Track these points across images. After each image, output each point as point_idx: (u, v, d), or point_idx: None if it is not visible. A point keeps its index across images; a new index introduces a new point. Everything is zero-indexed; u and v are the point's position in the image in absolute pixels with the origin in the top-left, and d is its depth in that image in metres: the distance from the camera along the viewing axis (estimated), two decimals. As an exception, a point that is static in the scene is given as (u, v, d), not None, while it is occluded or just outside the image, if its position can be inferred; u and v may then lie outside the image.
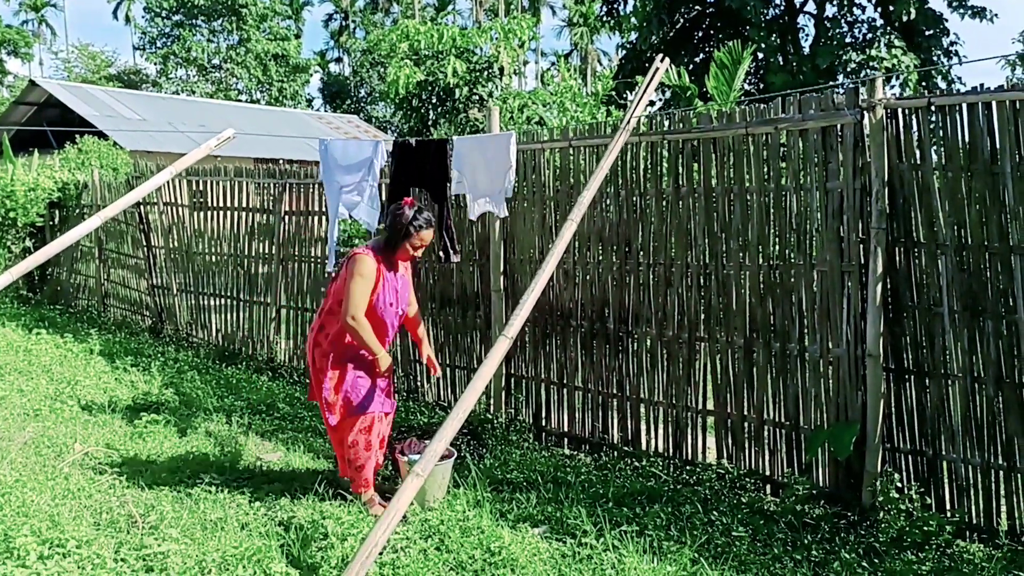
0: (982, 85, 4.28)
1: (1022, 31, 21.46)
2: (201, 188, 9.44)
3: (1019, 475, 4.23)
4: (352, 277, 4.55)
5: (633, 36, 23.41)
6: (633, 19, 22.60)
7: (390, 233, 4.68)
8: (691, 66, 19.68)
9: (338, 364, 4.67)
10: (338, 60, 60.83)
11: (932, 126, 4.45)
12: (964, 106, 4.30)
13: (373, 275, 4.58)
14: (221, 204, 9.15)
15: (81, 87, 30.54)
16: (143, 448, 5.68)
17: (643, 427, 5.70)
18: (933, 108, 4.40)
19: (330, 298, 4.76)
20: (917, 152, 4.47)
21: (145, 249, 10.32)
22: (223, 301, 9.25)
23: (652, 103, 19.21)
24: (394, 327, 4.85)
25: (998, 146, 4.18)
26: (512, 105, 17.89)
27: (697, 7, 21.76)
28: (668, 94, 17.62)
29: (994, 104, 4.18)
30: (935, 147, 4.48)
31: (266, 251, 8.66)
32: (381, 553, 3.88)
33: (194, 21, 48.96)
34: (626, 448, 5.73)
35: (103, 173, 12.46)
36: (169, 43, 48.97)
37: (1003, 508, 4.33)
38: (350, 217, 6.57)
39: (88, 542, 3.93)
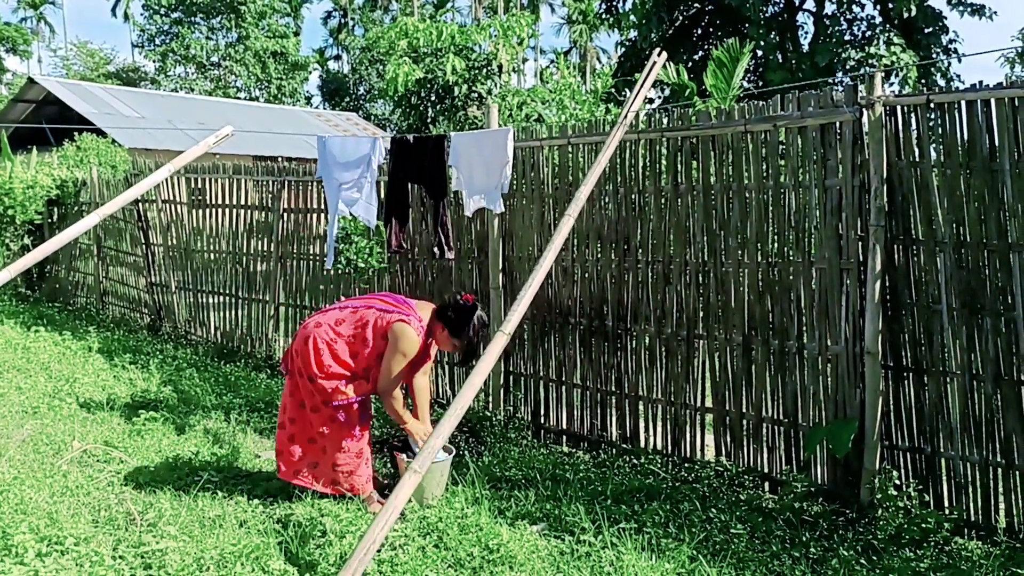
0: (981, 82, 4.28)
1: (1021, 28, 21.41)
2: (200, 185, 9.43)
3: (1017, 472, 4.23)
4: (395, 354, 4.55)
5: (632, 33, 23.43)
6: (632, 16, 22.61)
7: (453, 330, 4.65)
8: (690, 64, 19.70)
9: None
10: (337, 57, 60.81)
11: (931, 123, 4.45)
12: (963, 103, 4.29)
13: (413, 354, 4.59)
14: (220, 201, 9.14)
15: (80, 84, 30.48)
16: (141, 445, 5.68)
17: (642, 424, 5.70)
18: (932, 105, 4.39)
19: (356, 328, 4.70)
20: (916, 149, 4.46)
21: (144, 247, 10.32)
22: (222, 299, 9.25)
23: (651, 100, 19.23)
24: None
25: (997, 143, 4.18)
26: (511, 102, 17.86)
27: (696, 4, 21.77)
28: (667, 91, 17.64)
29: (993, 101, 4.18)
30: (934, 144, 4.48)
31: (265, 248, 8.66)
32: (379, 550, 3.88)
33: (193, 19, 48.89)
34: (625, 445, 5.73)
35: (102, 171, 12.44)
36: (168, 40, 48.88)
37: (1001, 505, 4.34)
38: (350, 214, 6.57)
39: (86, 539, 3.93)
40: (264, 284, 8.67)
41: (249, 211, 8.82)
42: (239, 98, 46.57)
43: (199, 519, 4.37)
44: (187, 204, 9.56)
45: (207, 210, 9.32)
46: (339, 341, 4.66)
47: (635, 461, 5.54)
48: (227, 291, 9.15)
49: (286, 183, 8.31)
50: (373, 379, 4.68)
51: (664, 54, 5.69)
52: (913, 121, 4.48)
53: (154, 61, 50.29)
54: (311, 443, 4.73)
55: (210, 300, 9.41)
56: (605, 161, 5.09)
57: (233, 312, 9.10)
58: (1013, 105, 4.11)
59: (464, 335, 4.65)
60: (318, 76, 57.44)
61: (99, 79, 44.27)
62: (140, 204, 10.17)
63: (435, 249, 6.29)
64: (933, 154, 4.46)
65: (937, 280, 4.42)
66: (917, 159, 4.46)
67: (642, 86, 5.43)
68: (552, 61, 44.63)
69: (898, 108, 4.50)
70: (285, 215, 8.37)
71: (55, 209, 12.80)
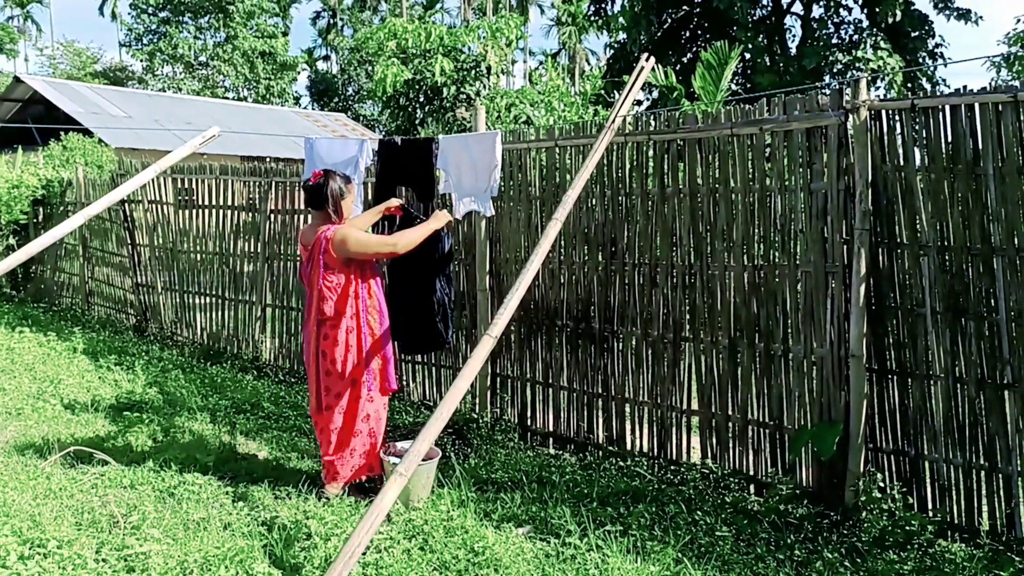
0: (965, 87, 4.30)
1: (1007, 33, 21.53)
2: (186, 186, 9.40)
3: (1000, 475, 4.26)
4: (355, 241, 4.75)
5: (621, 36, 23.46)
6: (621, 19, 22.64)
7: (319, 203, 4.85)
8: (678, 66, 19.71)
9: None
10: (326, 58, 60.67)
11: (916, 128, 4.47)
12: (947, 108, 4.32)
13: (356, 227, 4.96)
14: (206, 202, 9.11)
15: (66, 84, 30.30)
16: (126, 447, 5.65)
17: (628, 427, 5.71)
18: (917, 110, 4.42)
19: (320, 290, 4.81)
20: (900, 153, 4.49)
21: (130, 247, 10.28)
22: (208, 299, 9.21)
23: (639, 103, 19.27)
24: None
25: (980, 148, 4.20)
26: (499, 104, 17.90)
27: (685, 7, 21.80)
28: (655, 94, 17.68)
29: (976, 106, 4.20)
30: (918, 149, 4.50)
31: (252, 249, 8.63)
32: (364, 553, 3.86)
33: (181, 18, 48.67)
34: (611, 448, 5.74)
35: (88, 170, 12.39)
36: (156, 40, 48.64)
37: (984, 508, 4.36)
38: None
39: (69, 542, 3.90)
40: (251, 285, 8.64)
41: (236, 212, 8.79)
42: (227, 98, 46.40)
43: (183, 522, 4.34)
44: (173, 204, 9.52)
45: (194, 210, 9.28)
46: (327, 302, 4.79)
47: (621, 463, 5.54)
48: (214, 292, 9.11)
49: (273, 184, 8.29)
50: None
51: (652, 60, 5.70)
52: (898, 125, 4.50)
53: (141, 60, 50.02)
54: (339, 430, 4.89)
55: (196, 301, 9.37)
56: (592, 166, 5.09)
57: (220, 313, 9.06)
58: (997, 110, 4.13)
59: (325, 194, 4.81)
60: (306, 76, 57.32)
61: (86, 78, 44.01)
62: (126, 204, 10.13)
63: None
64: (918, 158, 4.48)
65: (921, 283, 4.44)
66: (902, 163, 4.48)
67: (629, 91, 5.43)
68: (541, 63, 44.66)
69: (883, 112, 4.52)
70: (272, 216, 8.34)
71: (40, 209, 12.73)
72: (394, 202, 5.43)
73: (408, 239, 4.85)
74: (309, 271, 4.84)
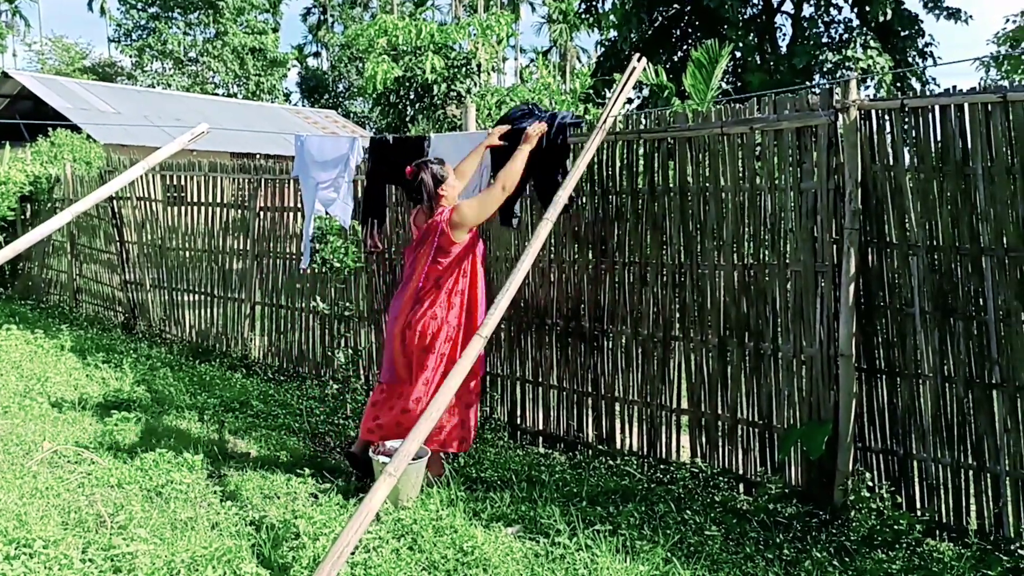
0: (954, 87, 4.31)
1: (996, 33, 21.63)
2: (175, 183, 9.35)
3: (988, 474, 4.27)
4: (474, 205, 4.94)
5: (612, 34, 23.46)
6: (612, 17, 22.66)
7: (418, 197, 5.06)
8: (669, 64, 19.74)
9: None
10: (316, 55, 60.42)
11: (905, 127, 4.48)
12: (936, 108, 4.32)
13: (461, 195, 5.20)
14: (195, 199, 9.06)
15: (55, 79, 30.13)
16: (113, 446, 5.61)
17: (618, 426, 5.71)
18: (906, 110, 4.42)
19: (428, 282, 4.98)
20: (890, 153, 4.49)
21: (118, 244, 10.22)
22: (197, 297, 9.17)
23: (630, 100, 19.26)
24: None
25: (969, 148, 4.21)
26: (490, 102, 17.86)
27: (675, 5, 21.82)
28: (646, 92, 17.69)
29: (966, 106, 4.21)
30: (908, 148, 4.51)
31: (241, 247, 8.59)
32: (353, 553, 3.85)
33: (170, 14, 48.44)
34: (601, 447, 5.74)
35: (76, 167, 12.31)
36: (145, 36, 48.39)
37: (972, 507, 4.37)
38: (326, 213, 6.53)
39: (55, 542, 3.87)
40: (240, 283, 8.61)
41: (225, 209, 8.75)
42: (217, 94, 46.21)
43: (171, 521, 4.32)
44: (162, 201, 9.47)
45: (182, 207, 9.24)
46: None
47: (611, 462, 5.54)
48: (202, 289, 9.07)
49: (263, 181, 8.25)
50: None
51: (643, 60, 5.68)
52: (888, 125, 4.50)
53: (130, 56, 49.75)
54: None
55: (185, 298, 9.32)
56: (584, 166, 5.06)
57: (208, 311, 9.02)
58: (986, 110, 4.14)
59: (419, 188, 4.99)
60: (297, 73, 57.11)
61: (74, 74, 43.70)
62: (114, 201, 10.07)
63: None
64: (907, 158, 4.49)
65: (910, 283, 4.45)
66: (891, 163, 4.49)
67: (621, 92, 5.41)
68: (532, 60, 44.64)
69: (873, 112, 4.53)
70: (261, 213, 8.31)
71: (28, 206, 12.66)
72: (496, 134, 5.50)
73: (511, 176, 5.03)
74: (417, 251, 5.03)
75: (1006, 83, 4.15)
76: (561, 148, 5.56)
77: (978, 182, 4.18)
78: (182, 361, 8.44)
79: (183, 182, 9.21)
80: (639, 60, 5.60)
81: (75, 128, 22.20)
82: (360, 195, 6.77)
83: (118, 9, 49.73)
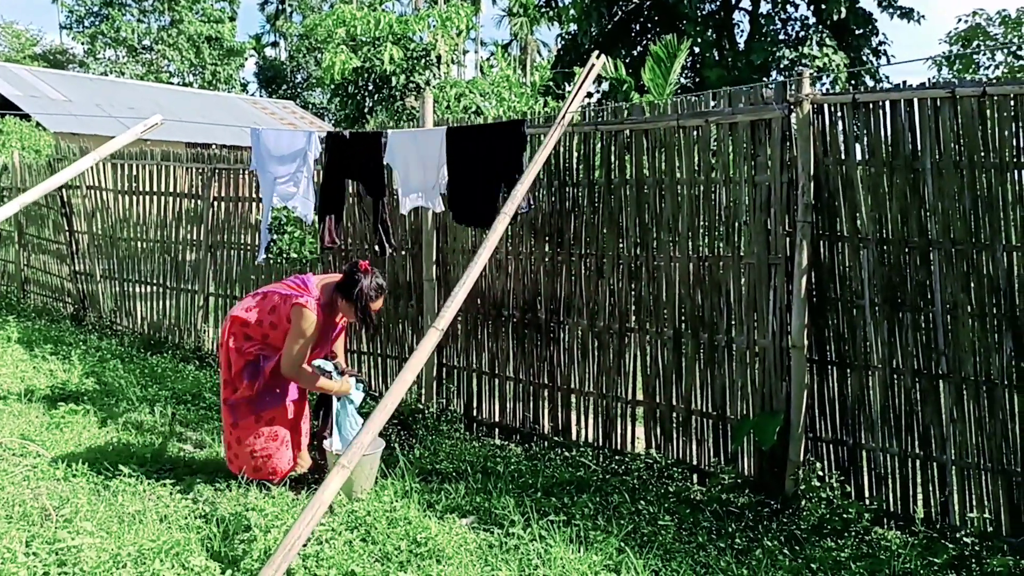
0: (904, 83, 4.37)
1: (948, 32, 22.04)
2: (127, 172, 9.16)
3: (935, 464, 4.35)
4: (292, 334, 4.50)
5: (572, 27, 23.52)
6: (572, 11, 22.70)
7: (343, 295, 4.57)
8: (628, 59, 19.83)
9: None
10: (274, 44, 59.59)
11: (857, 122, 4.54)
12: (887, 103, 4.39)
13: (313, 332, 4.52)
14: (148, 189, 8.89)
15: (4, 66, 29.36)
16: (60, 439, 5.50)
17: (574, 417, 5.72)
18: (858, 104, 4.48)
19: (262, 313, 4.70)
20: (842, 147, 4.55)
21: (67, 234, 10.01)
22: (149, 288, 9.02)
23: (590, 95, 19.32)
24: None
25: (919, 143, 4.27)
26: (449, 94, 17.77)
27: (635, 1, 21.93)
28: (606, 86, 17.74)
29: (915, 101, 4.28)
30: (859, 143, 4.57)
31: (194, 237, 8.46)
32: (305, 545, 3.81)
33: (124, 0, 47.50)
34: (556, 438, 5.75)
35: (24, 155, 12.03)
36: (97, 22, 47.35)
37: (919, 496, 4.46)
38: (284, 207, 6.45)
39: (-2, 536, 3.79)
40: (193, 274, 8.47)
41: (178, 199, 8.61)
42: (172, 83, 45.43)
43: (118, 515, 4.24)
44: (113, 191, 9.28)
45: (135, 197, 9.07)
46: (249, 325, 4.70)
47: (566, 454, 5.55)
48: (155, 280, 8.92)
49: (216, 171, 8.12)
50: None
51: (603, 57, 5.68)
52: (840, 120, 4.56)
53: (83, 44, 48.65)
54: (233, 428, 4.78)
55: (137, 289, 9.16)
56: (542, 161, 5.04)
57: (161, 302, 8.88)
58: (935, 105, 4.21)
59: (356, 302, 4.53)
60: (254, 63, 56.34)
61: (25, 61, 42.72)
62: (64, 190, 9.85)
63: (376, 246, 6.19)
64: (858, 152, 4.55)
65: (860, 276, 4.51)
66: (843, 157, 4.54)
67: (580, 87, 5.39)
68: (492, 54, 44.53)
69: (825, 106, 4.58)
70: (216, 203, 8.18)
71: (-26, 194, 12.33)
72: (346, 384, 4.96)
73: (297, 379, 4.69)
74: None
75: (955, 81, 4.22)
76: (517, 142, 5.48)
77: (927, 176, 4.25)
78: (133, 353, 8.29)
79: (135, 171, 9.04)
80: (598, 57, 5.60)
81: (25, 116, 21.70)
82: (318, 190, 6.69)
83: (70, -5, 48.64)
